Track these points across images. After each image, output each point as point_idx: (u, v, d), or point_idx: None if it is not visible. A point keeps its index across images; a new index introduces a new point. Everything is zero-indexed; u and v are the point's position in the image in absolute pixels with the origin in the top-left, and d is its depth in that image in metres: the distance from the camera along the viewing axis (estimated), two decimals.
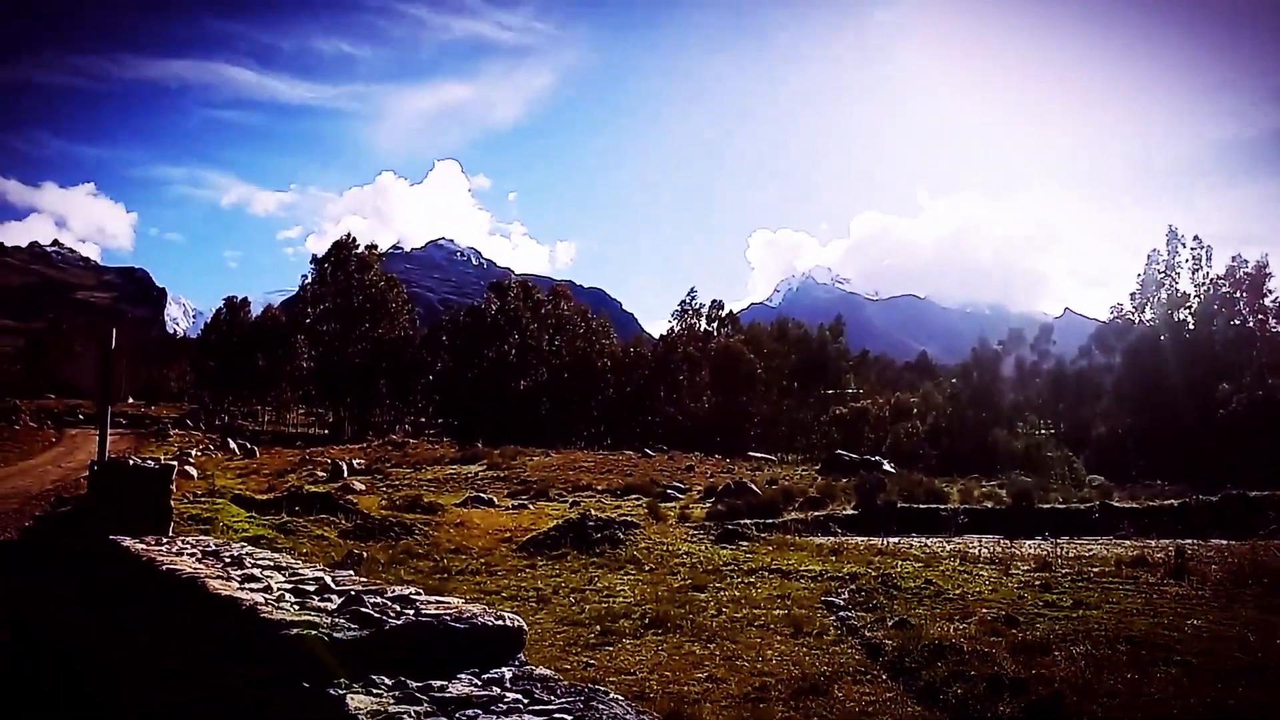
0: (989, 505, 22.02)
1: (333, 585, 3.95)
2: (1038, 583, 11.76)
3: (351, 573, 4.71)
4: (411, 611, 3.20)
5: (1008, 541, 16.85)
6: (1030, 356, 64.07)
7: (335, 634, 2.95)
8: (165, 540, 7.17)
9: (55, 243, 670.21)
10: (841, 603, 10.59)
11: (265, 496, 17.65)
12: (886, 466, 28.88)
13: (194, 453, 38.34)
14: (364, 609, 3.17)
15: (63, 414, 63.35)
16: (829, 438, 56.44)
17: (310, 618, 3.15)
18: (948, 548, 15.57)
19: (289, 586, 3.95)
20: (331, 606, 3.40)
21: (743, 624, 9.64)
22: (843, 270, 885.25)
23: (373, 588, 3.85)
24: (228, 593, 3.78)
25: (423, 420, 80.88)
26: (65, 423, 58.19)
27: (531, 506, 20.83)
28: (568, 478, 26.89)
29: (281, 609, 3.37)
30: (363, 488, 23.27)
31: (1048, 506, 21.60)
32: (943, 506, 20.96)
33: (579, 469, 29.36)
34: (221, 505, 15.02)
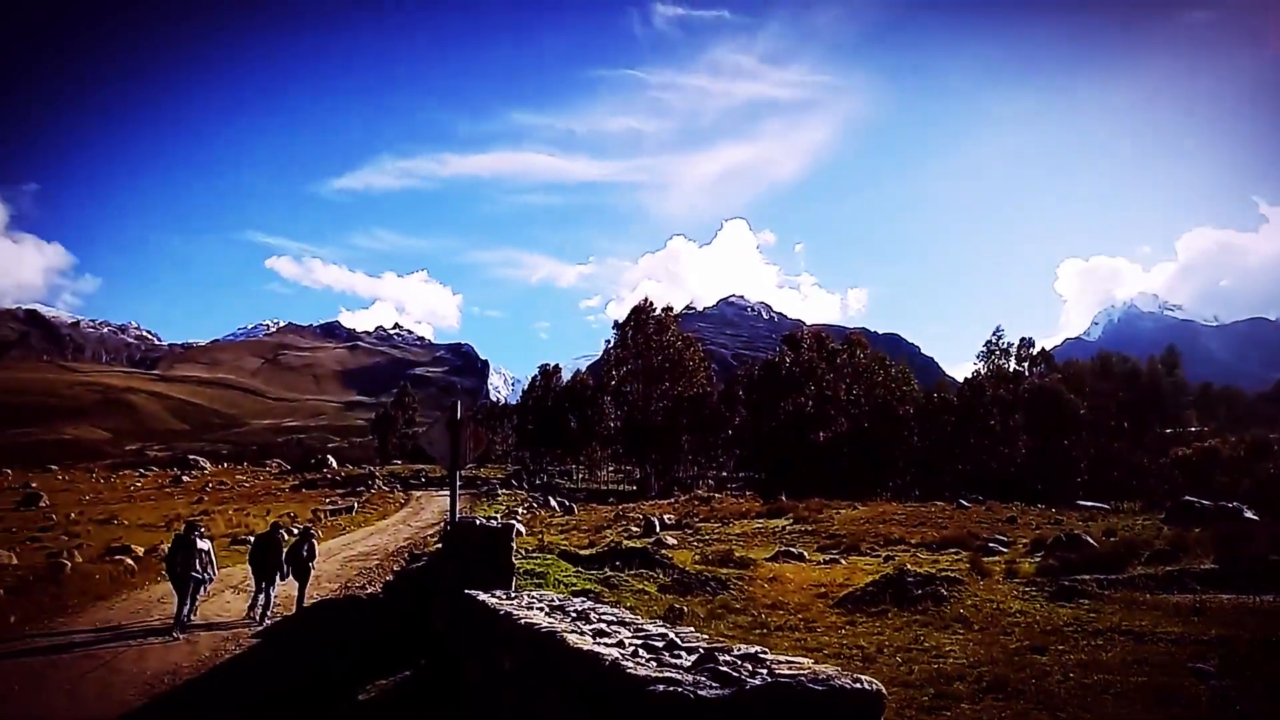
0: None
1: (679, 641, 4.03)
2: None
3: (691, 629, 4.80)
4: (765, 671, 3.18)
5: None
6: None
7: (699, 692, 2.99)
8: (513, 595, 7.72)
9: (396, 326, 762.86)
10: (1212, 670, 9.32)
11: (587, 552, 18.54)
12: (1248, 514, 25.26)
13: (520, 510, 41.45)
14: (721, 667, 3.20)
15: (409, 478, 71.04)
16: (1171, 482, 50.47)
17: (671, 674, 3.22)
18: None
19: (639, 642, 4.08)
20: (686, 663, 3.47)
21: (1095, 691, 8.72)
22: (1172, 296, 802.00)
23: (718, 645, 3.89)
24: (587, 647, 3.97)
25: (724, 474, 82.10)
26: (411, 485, 65.20)
27: (843, 561, 20.33)
28: (878, 531, 26.05)
29: (641, 665, 3.48)
30: (675, 542, 23.91)
31: None
32: None
33: (889, 522, 28.34)
34: (551, 560, 15.94)
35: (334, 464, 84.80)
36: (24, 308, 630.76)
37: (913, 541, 23.87)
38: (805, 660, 3.41)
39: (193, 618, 15.48)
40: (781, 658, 3.43)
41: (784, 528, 28.70)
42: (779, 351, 77.83)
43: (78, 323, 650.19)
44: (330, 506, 45.27)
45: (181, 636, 14.75)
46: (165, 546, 24.66)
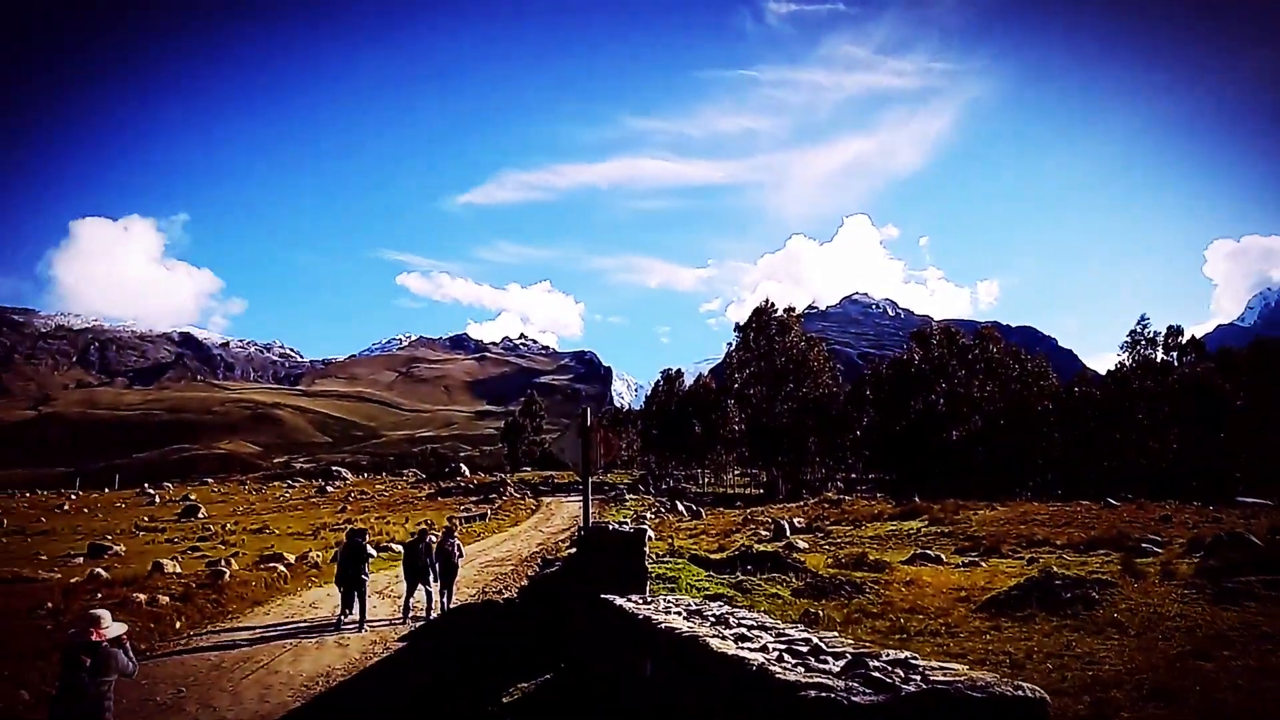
0: None
1: (825, 646, 3.98)
2: None
3: (835, 633, 4.72)
4: (918, 677, 3.10)
5: None
6: None
7: (853, 698, 2.94)
8: (649, 599, 7.77)
9: (521, 336, 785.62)
10: None
11: (718, 556, 18.50)
12: None
13: (648, 515, 41.67)
14: (873, 673, 3.14)
15: (538, 484, 72.45)
16: None
17: (821, 680, 3.17)
18: None
19: (782, 646, 4.04)
20: (834, 668, 3.41)
21: (1267, 699, 8.15)
22: None
23: (865, 650, 3.81)
24: (731, 651, 3.95)
25: (853, 476, 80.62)
26: (540, 492, 66.45)
27: (983, 564, 19.63)
28: (1019, 532, 25.03)
29: (788, 669, 3.44)
30: (806, 546, 23.60)
31: None
32: None
33: (1031, 522, 27.20)
34: (682, 565, 15.99)
35: (467, 472, 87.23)
36: (179, 331, 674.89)
37: (1058, 543, 22.84)
38: (958, 666, 3.30)
39: (359, 615, 16.38)
40: (934, 664, 3.34)
41: (918, 530, 27.94)
42: (907, 349, 75.87)
43: (227, 343, 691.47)
44: (465, 513, 46.55)
45: (364, 630, 15.90)
46: (314, 554, 26.13)
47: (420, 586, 17.67)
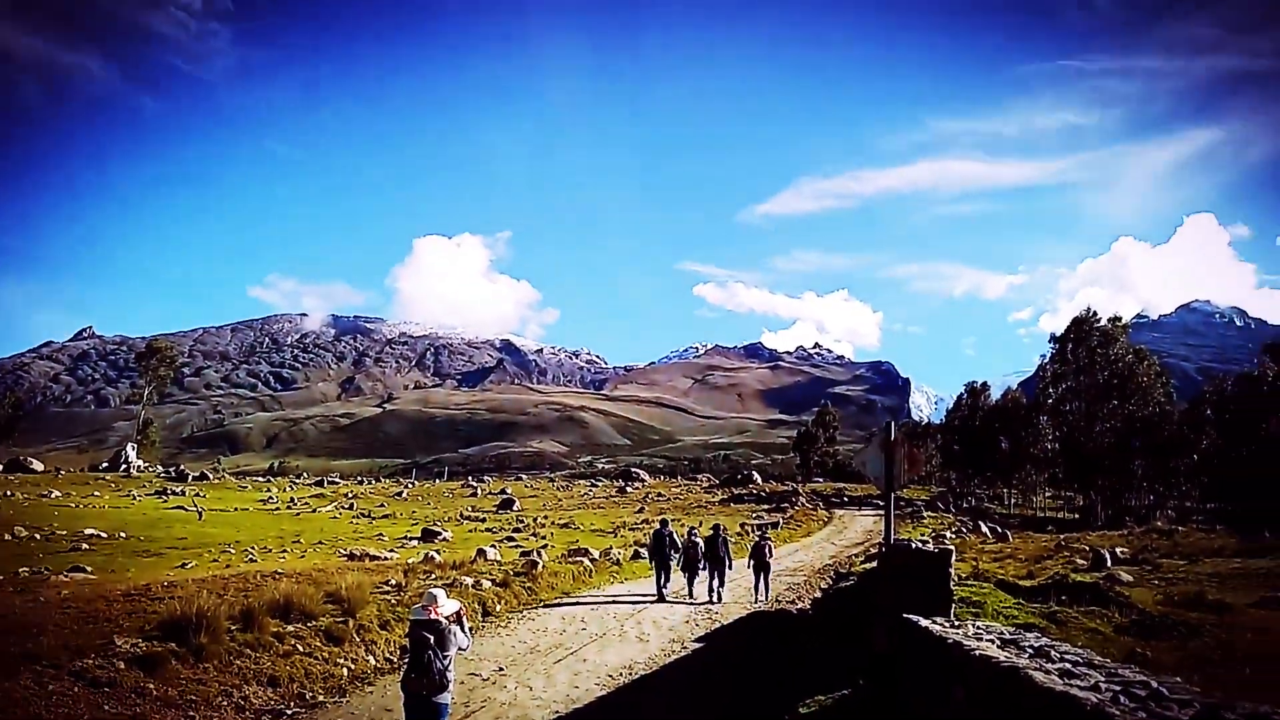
0: None
1: (1166, 693, 3.62)
2: None
3: (1177, 679, 4.26)
4: None
5: None
6: None
7: None
8: (956, 624, 7.43)
9: (816, 345, 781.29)
10: None
11: (1027, 583, 17.32)
12: None
13: (948, 535, 39.77)
14: None
15: (830, 496, 71.44)
16: None
17: None
18: None
19: (1116, 688, 3.74)
20: (1181, 717, 3.11)
21: None
22: None
23: (1215, 700, 3.43)
24: (1059, 688, 3.71)
25: (1186, 505, 72.24)
26: (832, 504, 65.49)
27: None
28: None
29: (1126, 713, 3.18)
30: (1130, 579, 21.44)
31: None
32: None
33: None
34: (988, 590, 15.13)
35: (758, 479, 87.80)
36: (500, 338, 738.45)
37: None
38: None
39: (659, 591, 20.22)
40: None
41: (1268, 569, 24.49)
42: (1259, 363, 66.88)
43: (541, 350, 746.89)
44: (756, 521, 46.90)
45: (662, 603, 19.43)
46: (615, 551, 27.62)
47: (715, 572, 20.74)
